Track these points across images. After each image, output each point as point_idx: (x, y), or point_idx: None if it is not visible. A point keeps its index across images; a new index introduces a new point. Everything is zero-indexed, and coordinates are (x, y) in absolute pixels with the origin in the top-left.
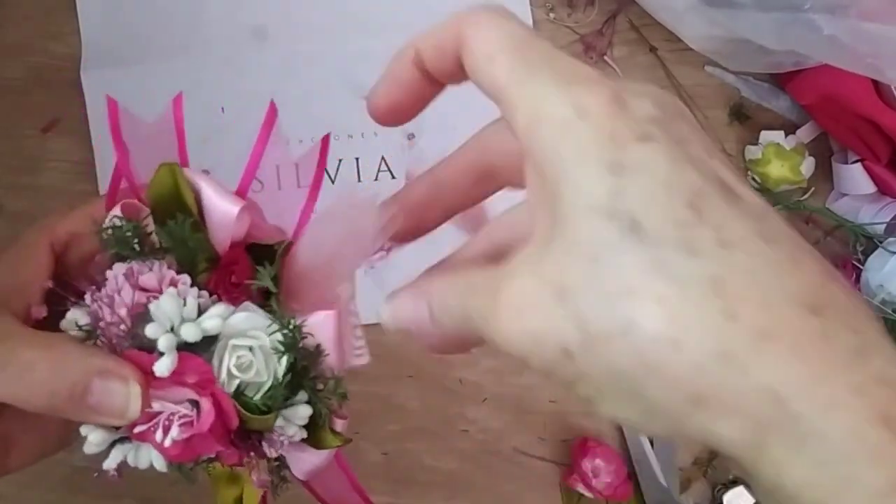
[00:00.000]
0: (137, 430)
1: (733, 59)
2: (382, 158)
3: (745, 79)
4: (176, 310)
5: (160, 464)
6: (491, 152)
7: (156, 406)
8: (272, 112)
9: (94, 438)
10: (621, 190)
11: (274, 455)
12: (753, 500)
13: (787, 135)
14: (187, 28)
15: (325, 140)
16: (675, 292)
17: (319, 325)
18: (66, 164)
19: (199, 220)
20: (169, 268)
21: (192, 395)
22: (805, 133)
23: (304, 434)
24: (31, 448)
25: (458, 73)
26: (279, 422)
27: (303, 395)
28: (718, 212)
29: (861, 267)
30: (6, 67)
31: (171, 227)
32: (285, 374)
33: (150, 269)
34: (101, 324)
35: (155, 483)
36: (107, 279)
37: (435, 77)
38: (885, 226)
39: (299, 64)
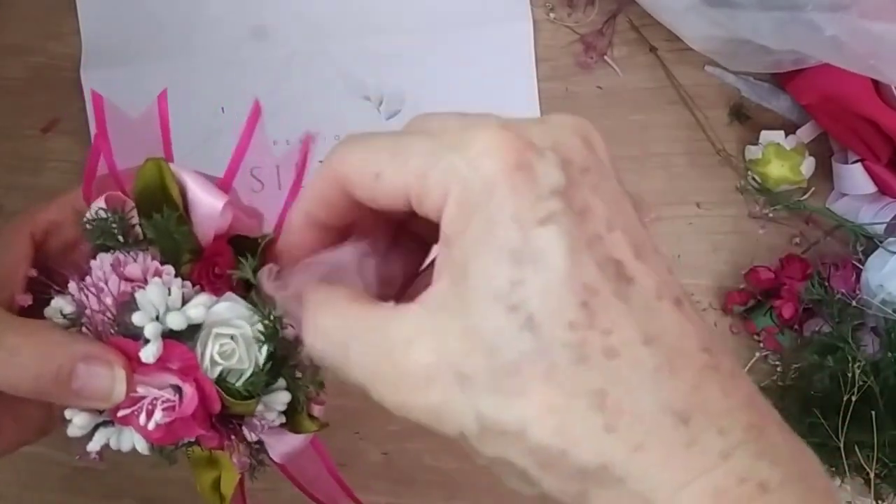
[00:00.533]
0: (121, 413)
1: (733, 59)
2: None
3: (746, 79)
4: (161, 298)
5: (142, 446)
6: (382, 206)
7: (140, 391)
8: (256, 111)
9: (78, 421)
10: (521, 281)
11: (254, 439)
12: None
13: (787, 135)
14: (187, 28)
15: (307, 141)
16: (563, 402)
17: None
18: (66, 164)
19: (184, 213)
20: (153, 259)
21: (176, 381)
22: (805, 133)
23: (283, 419)
24: (10, 435)
25: (356, 210)
26: (259, 407)
27: (282, 382)
28: (608, 312)
29: (861, 267)
30: (6, 67)
31: (156, 219)
32: (265, 362)
33: (135, 260)
34: (87, 312)
35: (155, 483)
36: (91, 269)
37: (324, 224)
38: (885, 226)
39: (299, 64)
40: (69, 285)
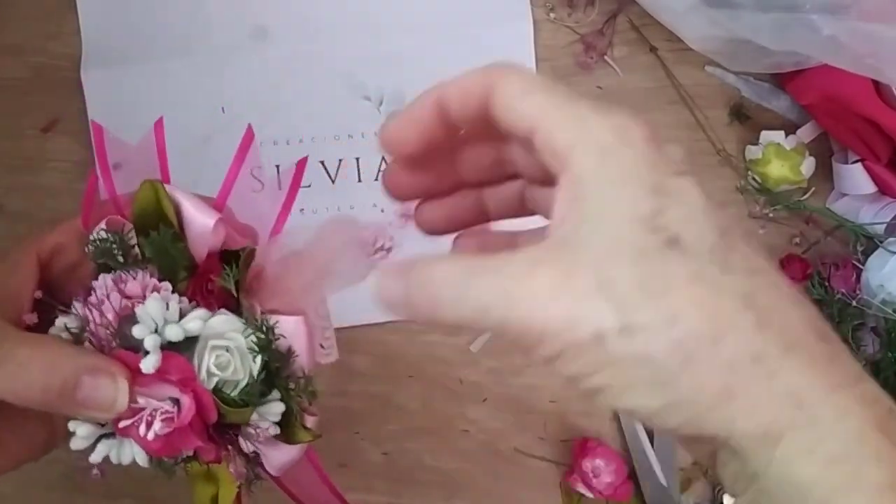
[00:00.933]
0: (122, 424)
1: (733, 60)
2: (382, 158)
3: (746, 79)
4: (160, 312)
5: (142, 459)
6: (500, 120)
7: (140, 402)
8: (249, 136)
9: (81, 433)
10: (664, 209)
11: (250, 449)
12: None
13: (787, 135)
14: (187, 28)
15: (301, 164)
16: (713, 299)
17: (291, 330)
18: (66, 164)
19: (179, 231)
20: (151, 276)
21: (175, 393)
22: (805, 133)
23: (278, 430)
24: (13, 452)
25: (476, 120)
26: (254, 417)
27: (276, 394)
28: (743, 246)
29: (861, 267)
30: (6, 67)
31: (154, 237)
32: (259, 373)
33: (135, 278)
34: (90, 327)
35: (155, 483)
36: (94, 288)
37: (452, 121)
38: (885, 226)
39: (299, 64)
40: (73, 303)
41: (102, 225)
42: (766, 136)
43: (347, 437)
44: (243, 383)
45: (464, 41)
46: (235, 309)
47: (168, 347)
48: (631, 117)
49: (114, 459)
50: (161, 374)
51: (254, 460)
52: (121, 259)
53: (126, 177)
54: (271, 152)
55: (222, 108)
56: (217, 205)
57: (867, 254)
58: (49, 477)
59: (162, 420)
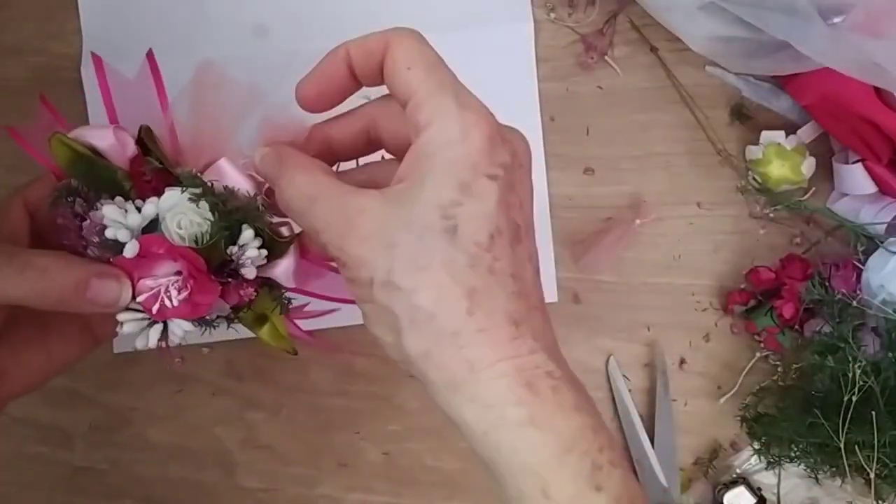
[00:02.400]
0: (154, 309)
1: (733, 61)
2: (382, 158)
3: (746, 79)
4: (117, 212)
5: (188, 326)
6: (383, 128)
7: (150, 283)
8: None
9: (129, 327)
10: (459, 203)
11: (253, 275)
12: (754, 501)
13: (787, 135)
14: (188, 27)
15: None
16: (448, 285)
17: (222, 169)
18: None
19: (99, 158)
20: (103, 201)
21: (173, 266)
22: (806, 133)
23: (265, 252)
24: (62, 354)
25: (377, 78)
26: (234, 249)
27: (245, 228)
28: (501, 249)
29: (862, 267)
30: (6, 67)
31: (86, 176)
32: (214, 214)
33: (97, 208)
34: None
35: (155, 483)
36: (67, 230)
37: (356, 76)
38: (885, 226)
39: (300, 62)
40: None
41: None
42: (766, 136)
43: (348, 437)
44: (206, 228)
45: (464, 41)
46: (177, 182)
47: (142, 233)
48: (481, 114)
49: (170, 340)
50: (149, 253)
51: (274, 287)
52: (80, 206)
53: (127, 109)
54: None
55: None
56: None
57: (868, 254)
58: (49, 477)
59: (176, 288)
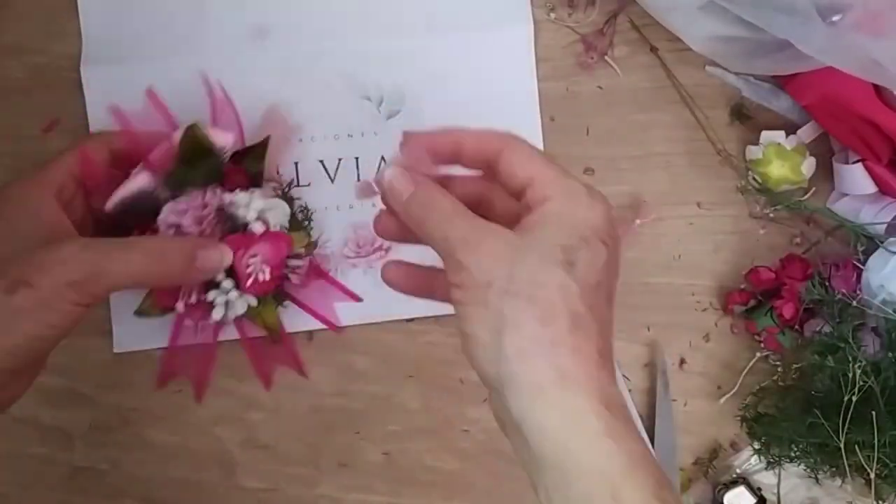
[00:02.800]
0: (249, 283)
1: (733, 61)
2: (382, 158)
3: (746, 79)
4: (245, 198)
5: (253, 301)
6: (504, 170)
7: (249, 260)
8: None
9: (219, 300)
10: (579, 249)
11: (299, 265)
12: (754, 501)
13: (787, 135)
14: (188, 27)
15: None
16: (558, 302)
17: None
18: None
19: (219, 153)
20: (212, 190)
21: (261, 251)
22: (806, 133)
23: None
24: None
25: (479, 164)
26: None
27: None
28: (600, 298)
29: (862, 267)
30: (6, 67)
31: (209, 161)
32: (291, 216)
33: (197, 197)
34: (189, 232)
35: (155, 483)
36: (159, 221)
37: (456, 157)
38: (885, 226)
39: (300, 63)
40: (161, 219)
41: (143, 173)
42: (766, 136)
43: (348, 437)
44: (286, 221)
45: (464, 41)
46: (252, 184)
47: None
48: (603, 197)
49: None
50: (253, 237)
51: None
52: (167, 195)
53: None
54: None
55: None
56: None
57: (868, 254)
58: (49, 477)
59: (266, 265)
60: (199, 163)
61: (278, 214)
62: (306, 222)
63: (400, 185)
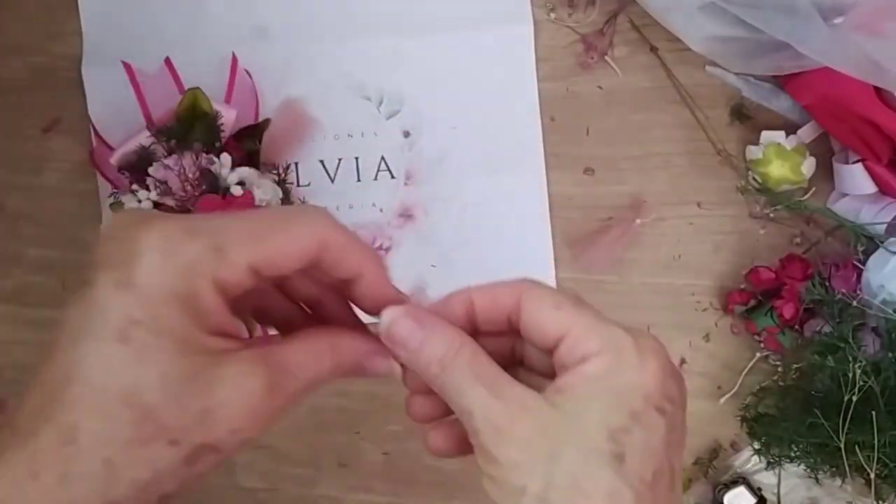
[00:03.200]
0: None
1: (733, 61)
2: (382, 158)
3: (746, 79)
4: (230, 161)
5: None
6: (529, 325)
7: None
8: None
9: None
10: (629, 431)
11: None
12: (754, 501)
13: (787, 135)
14: (188, 27)
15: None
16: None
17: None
18: (67, 164)
19: (215, 117)
20: (198, 151)
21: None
22: (806, 133)
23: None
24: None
25: (500, 324)
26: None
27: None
28: (661, 491)
29: (862, 267)
30: (7, 67)
31: (204, 121)
32: (282, 200)
33: (187, 156)
34: (173, 187)
35: None
36: (155, 168)
37: (474, 320)
38: (885, 226)
39: (300, 63)
40: (151, 173)
41: (145, 133)
42: (766, 136)
43: (348, 437)
44: (278, 199)
45: (464, 41)
46: (248, 162)
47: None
48: (657, 344)
49: None
50: (235, 203)
51: None
52: (163, 151)
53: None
54: None
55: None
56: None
57: (868, 254)
58: None
59: None
60: (195, 124)
61: (268, 192)
62: None
63: (403, 330)
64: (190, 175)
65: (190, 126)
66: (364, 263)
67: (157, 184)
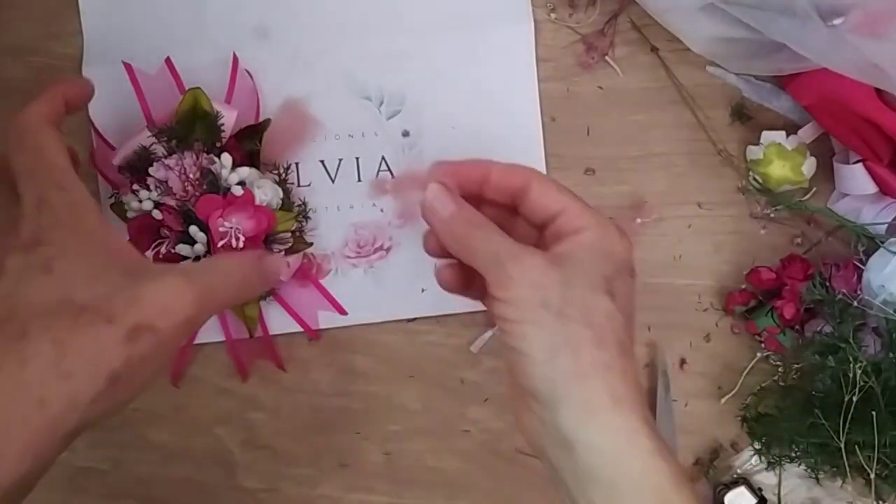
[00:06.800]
0: (221, 244)
1: (734, 62)
2: (382, 158)
3: (747, 79)
4: (229, 161)
5: None
6: (535, 194)
7: (227, 224)
8: (235, 62)
9: (189, 254)
10: (615, 279)
11: (279, 250)
12: (755, 501)
13: (788, 135)
14: (189, 28)
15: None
16: (608, 328)
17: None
18: None
19: (216, 120)
20: (199, 151)
21: (244, 217)
22: (806, 133)
23: (291, 241)
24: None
25: (503, 195)
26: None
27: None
28: (630, 329)
29: (862, 267)
30: (7, 68)
31: (205, 121)
32: (283, 197)
33: (192, 152)
34: (174, 188)
35: (156, 483)
36: (157, 168)
37: (480, 187)
38: (886, 226)
39: (301, 63)
40: (152, 173)
41: (145, 132)
42: (767, 136)
43: (348, 437)
44: (276, 205)
45: (465, 42)
46: (249, 162)
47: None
48: (626, 233)
49: None
50: (237, 203)
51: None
52: (163, 151)
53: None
54: None
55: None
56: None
57: (868, 254)
58: (49, 477)
59: (240, 233)
60: (196, 124)
61: (268, 192)
62: (302, 218)
63: (441, 203)
64: (191, 175)
65: (191, 126)
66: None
67: (158, 184)
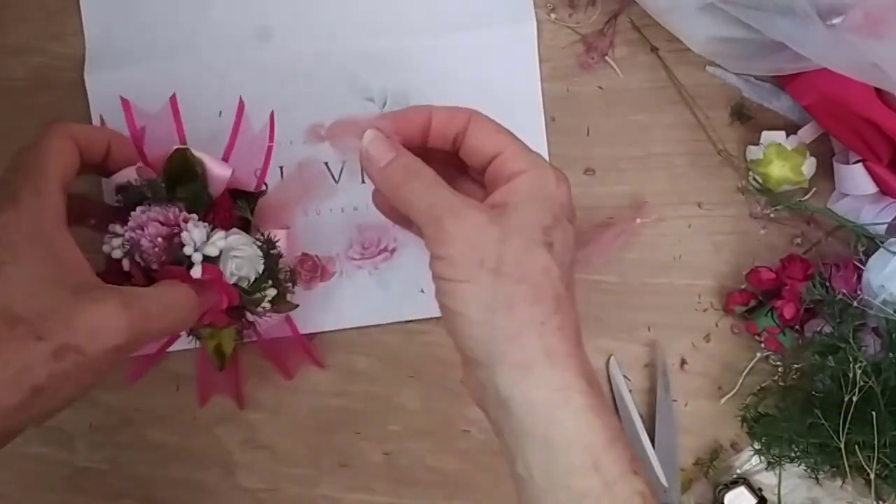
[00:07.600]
0: None
1: (733, 62)
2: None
3: (747, 79)
4: (202, 235)
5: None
6: (472, 138)
7: None
8: (241, 107)
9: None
10: (553, 229)
11: (253, 318)
12: (755, 501)
13: (788, 135)
14: (191, 29)
15: (272, 117)
16: (544, 284)
17: (280, 238)
18: None
19: (203, 181)
20: (181, 211)
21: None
22: (806, 133)
23: (269, 306)
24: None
25: (445, 140)
26: (262, 301)
27: (270, 283)
28: (570, 276)
29: (862, 267)
30: (8, 68)
31: (191, 186)
32: (263, 272)
33: (167, 212)
34: (143, 245)
35: (156, 484)
36: (131, 217)
37: (425, 134)
38: (886, 226)
39: (303, 65)
40: (115, 228)
41: (132, 171)
42: (767, 136)
43: (348, 437)
44: (252, 279)
45: (467, 42)
46: (242, 229)
47: (203, 260)
48: (564, 174)
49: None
50: (202, 278)
51: (252, 325)
52: (148, 198)
53: (149, 138)
54: (274, 153)
55: (220, 113)
56: (225, 158)
57: (868, 254)
58: (49, 477)
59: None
60: (180, 184)
61: (243, 266)
62: (288, 284)
63: (377, 149)
64: (159, 238)
65: (174, 186)
66: None
67: (125, 241)
